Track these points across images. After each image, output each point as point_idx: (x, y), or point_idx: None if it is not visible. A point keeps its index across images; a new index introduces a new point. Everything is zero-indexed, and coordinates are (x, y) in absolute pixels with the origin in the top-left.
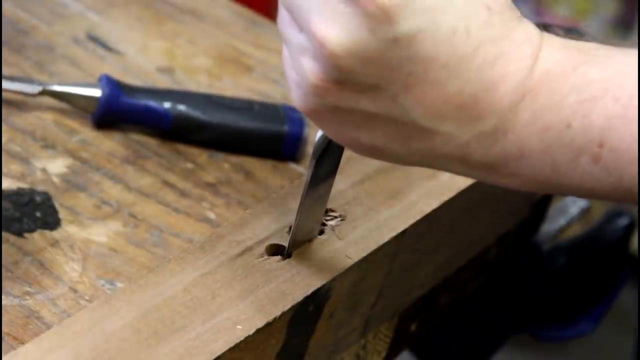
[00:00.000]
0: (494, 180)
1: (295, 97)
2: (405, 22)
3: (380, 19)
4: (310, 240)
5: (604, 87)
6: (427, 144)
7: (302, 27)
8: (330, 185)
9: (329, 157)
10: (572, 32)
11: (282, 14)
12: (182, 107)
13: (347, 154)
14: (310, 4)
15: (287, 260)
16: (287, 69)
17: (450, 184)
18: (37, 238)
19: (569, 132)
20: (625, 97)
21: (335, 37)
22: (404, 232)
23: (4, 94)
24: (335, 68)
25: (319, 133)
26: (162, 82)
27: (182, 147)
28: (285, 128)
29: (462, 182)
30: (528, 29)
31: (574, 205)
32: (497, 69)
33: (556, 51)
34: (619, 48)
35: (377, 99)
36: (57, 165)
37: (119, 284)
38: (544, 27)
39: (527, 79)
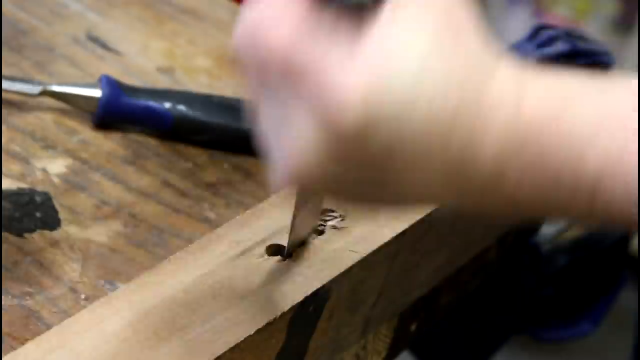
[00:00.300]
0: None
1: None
2: (376, 135)
3: (351, 142)
4: (308, 239)
5: (592, 139)
6: (415, 199)
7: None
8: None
9: None
10: (572, 34)
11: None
12: (182, 108)
13: None
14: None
15: (287, 260)
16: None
17: None
18: (37, 238)
19: (559, 190)
20: (614, 147)
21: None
22: (404, 232)
23: (4, 94)
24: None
25: None
26: (162, 83)
27: (182, 147)
28: None
29: None
30: (503, 86)
31: None
32: (474, 146)
33: (539, 99)
34: (608, 80)
35: (368, 192)
36: (57, 166)
37: (119, 284)
38: (544, 28)
39: (512, 137)
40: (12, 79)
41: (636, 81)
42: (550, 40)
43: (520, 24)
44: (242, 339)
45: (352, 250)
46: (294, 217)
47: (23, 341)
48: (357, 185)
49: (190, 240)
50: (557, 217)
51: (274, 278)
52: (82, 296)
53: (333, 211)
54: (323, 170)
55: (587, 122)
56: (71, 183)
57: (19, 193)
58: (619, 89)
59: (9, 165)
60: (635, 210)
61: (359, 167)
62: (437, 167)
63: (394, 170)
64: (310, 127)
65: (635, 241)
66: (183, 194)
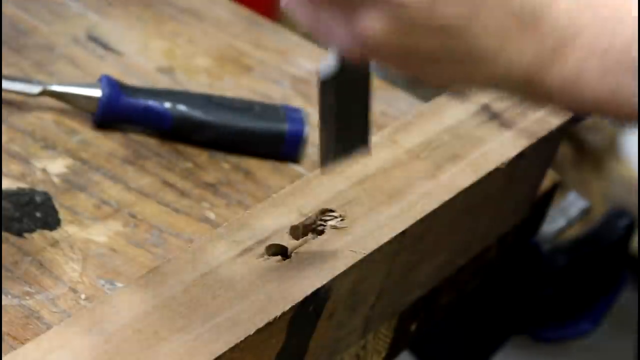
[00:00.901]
0: (557, 104)
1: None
2: None
3: None
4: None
5: None
6: (491, 69)
7: None
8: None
9: (346, 79)
10: None
11: None
12: (182, 107)
13: None
14: None
15: (287, 260)
16: (335, 29)
17: (450, 184)
18: (37, 238)
19: (631, 55)
20: None
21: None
22: (404, 232)
23: (4, 94)
24: (408, 19)
25: (329, 56)
26: (162, 82)
27: (182, 147)
28: (285, 128)
29: (462, 182)
30: None
31: (574, 206)
32: None
33: None
34: None
35: (448, 37)
36: (57, 166)
37: (119, 284)
38: None
39: None
40: (12, 78)
41: None
42: None
43: None
44: (242, 339)
45: (352, 250)
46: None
47: (23, 341)
48: (445, 33)
49: (190, 240)
50: (621, 101)
51: (274, 278)
52: (82, 296)
53: (333, 211)
54: (400, 42)
55: None
56: (71, 183)
57: (19, 193)
58: None
59: (9, 165)
60: None
61: (437, 30)
62: (518, 7)
63: (468, 26)
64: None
65: (635, 241)
66: (183, 193)
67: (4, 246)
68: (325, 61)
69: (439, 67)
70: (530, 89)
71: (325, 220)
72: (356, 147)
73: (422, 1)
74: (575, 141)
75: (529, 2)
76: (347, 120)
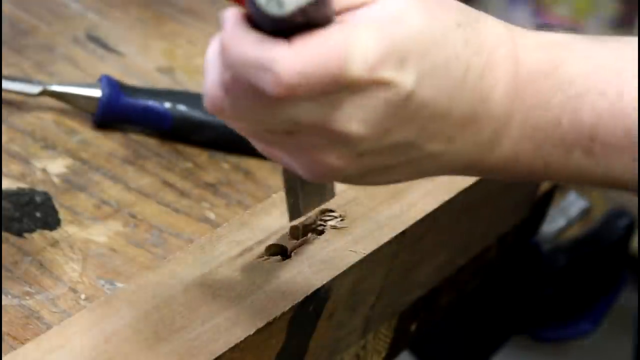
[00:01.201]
0: (494, 178)
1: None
2: (405, 78)
3: (383, 86)
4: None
5: (588, 83)
6: (436, 165)
7: (314, 129)
8: None
9: None
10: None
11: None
12: (182, 107)
13: None
14: (317, 116)
15: (287, 260)
16: (293, 159)
17: (450, 184)
18: (37, 238)
19: (559, 129)
20: (611, 92)
21: (356, 127)
22: (404, 232)
23: (4, 94)
24: (358, 148)
25: None
26: (162, 82)
27: (182, 147)
28: None
29: (462, 183)
30: (495, 29)
31: (574, 206)
32: (486, 80)
33: (533, 51)
34: (595, 38)
35: (396, 152)
36: (57, 166)
37: (119, 284)
38: (544, 28)
39: (513, 82)
40: (12, 78)
41: (634, 38)
42: None
43: (520, 24)
44: (242, 339)
45: (352, 250)
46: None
47: (23, 341)
48: (397, 149)
49: (190, 240)
50: (554, 170)
51: (274, 278)
52: (82, 296)
53: (333, 211)
54: (382, 124)
55: (580, 73)
56: (71, 183)
57: (19, 193)
58: (611, 43)
59: (9, 165)
60: (636, 153)
61: (399, 116)
62: (460, 113)
63: (427, 117)
64: (374, 110)
65: (635, 241)
66: (183, 194)
67: (4, 246)
68: None
69: (386, 174)
70: (472, 172)
71: (325, 220)
72: (323, 195)
73: (370, 135)
74: None
75: (467, 105)
76: None
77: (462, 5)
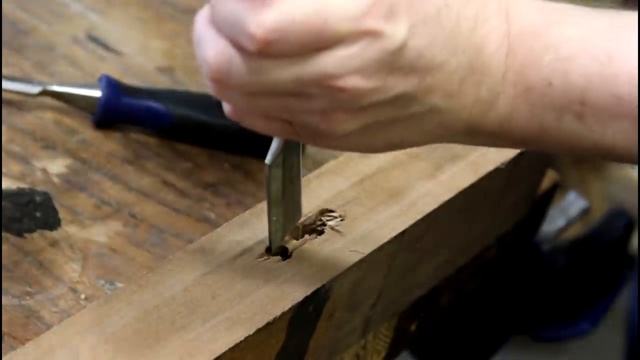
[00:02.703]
0: (492, 144)
1: (323, 135)
2: (396, 28)
3: (373, 37)
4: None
5: (580, 47)
6: (437, 122)
7: (315, 87)
8: (299, 184)
9: (287, 161)
10: None
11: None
12: (182, 107)
13: (346, 153)
14: (317, 66)
15: (287, 260)
16: (305, 118)
17: (450, 184)
18: (37, 238)
19: (550, 90)
20: (602, 56)
21: (355, 81)
22: (403, 232)
23: (4, 94)
24: (361, 101)
25: (275, 142)
26: (162, 82)
27: (182, 147)
28: None
29: (462, 182)
30: None
31: (574, 206)
32: (479, 31)
33: (527, 10)
34: (595, 9)
35: (397, 105)
36: (57, 165)
37: (119, 284)
38: None
39: (506, 37)
40: (13, 78)
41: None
42: None
43: None
44: (242, 339)
45: (352, 250)
46: (270, 222)
47: (23, 341)
48: (396, 101)
49: (190, 240)
50: (548, 133)
51: (274, 278)
52: (82, 296)
53: (333, 211)
54: (377, 74)
55: (572, 37)
56: (71, 183)
57: (19, 193)
58: (608, 13)
59: (9, 165)
60: (628, 121)
61: (395, 65)
62: (455, 64)
63: (424, 67)
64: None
65: (635, 241)
66: (183, 194)
67: (4, 246)
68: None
69: (391, 134)
70: (472, 137)
71: (325, 220)
72: (296, 219)
73: (370, 87)
74: None
75: (462, 56)
76: (292, 196)
77: None
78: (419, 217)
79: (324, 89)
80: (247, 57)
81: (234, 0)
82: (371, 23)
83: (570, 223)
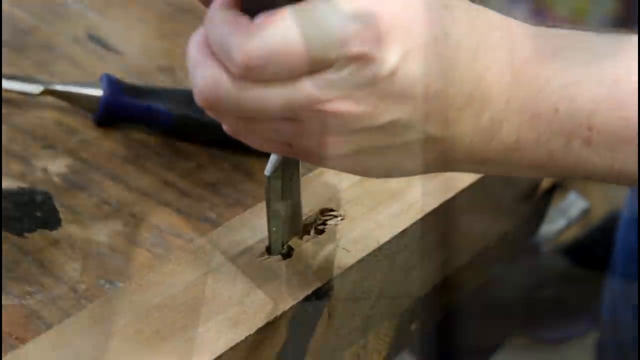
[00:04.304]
0: (499, 172)
1: (323, 157)
2: (387, 54)
3: (363, 61)
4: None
5: (586, 71)
6: (437, 151)
7: (308, 109)
8: (298, 197)
9: (286, 172)
10: None
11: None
12: (182, 107)
13: None
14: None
15: (287, 260)
16: (303, 142)
17: (450, 184)
18: (37, 238)
19: (557, 117)
20: (609, 80)
21: (345, 106)
22: (403, 232)
23: (4, 94)
24: (352, 126)
25: (274, 154)
26: (163, 82)
27: (182, 147)
28: None
29: (462, 182)
30: (488, 14)
31: (574, 206)
32: (480, 60)
33: (530, 38)
34: (595, 32)
35: (391, 132)
36: (57, 165)
37: (119, 284)
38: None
39: (509, 66)
40: (13, 78)
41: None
42: None
43: None
44: (242, 338)
45: (352, 250)
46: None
47: (23, 341)
48: (390, 128)
49: (190, 240)
50: (557, 160)
51: (275, 277)
52: (82, 296)
53: (333, 211)
54: (370, 100)
55: (577, 62)
56: (71, 182)
57: (19, 193)
58: (610, 36)
59: (9, 165)
60: (636, 143)
61: (387, 91)
62: (454, 92)
63: (418, 94)
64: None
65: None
66: (183, 193)
67: (4, 246)
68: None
69: (387, 160)
70: (475, 164)
71: (325, 220)
72: (296, 228)
73: (362, 112)
74: None
75: (461, 86)
76: (292, 206)
77: None
78: (419, 217)
79: (315, 113)
80: (235, 81)
81: (223, 25)
82: (360, 48)
83: (570, 223)
